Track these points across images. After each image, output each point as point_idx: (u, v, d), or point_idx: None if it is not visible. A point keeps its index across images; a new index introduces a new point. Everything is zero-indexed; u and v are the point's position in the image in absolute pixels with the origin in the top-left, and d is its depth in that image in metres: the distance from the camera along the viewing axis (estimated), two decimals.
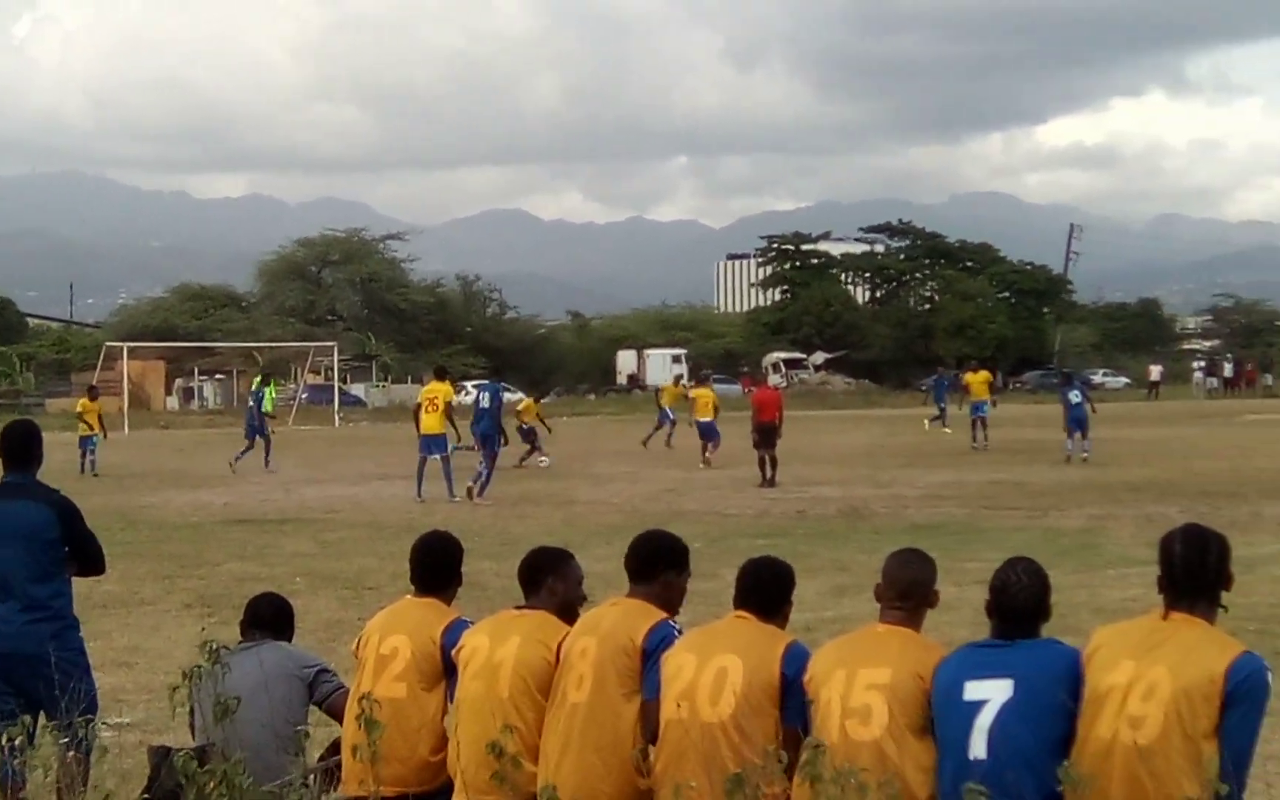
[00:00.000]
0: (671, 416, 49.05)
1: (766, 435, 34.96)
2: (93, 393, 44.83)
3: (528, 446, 41.71)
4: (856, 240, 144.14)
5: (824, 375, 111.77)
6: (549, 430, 43.90)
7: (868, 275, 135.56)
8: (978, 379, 47.31)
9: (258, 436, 42.14)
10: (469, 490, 31.01)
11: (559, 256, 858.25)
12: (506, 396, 40.76)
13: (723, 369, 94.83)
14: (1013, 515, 27.06)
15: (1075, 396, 40.82)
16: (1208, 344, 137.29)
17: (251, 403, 44.17)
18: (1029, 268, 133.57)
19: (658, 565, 7.94)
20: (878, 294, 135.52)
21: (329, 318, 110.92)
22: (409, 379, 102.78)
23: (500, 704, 7.57)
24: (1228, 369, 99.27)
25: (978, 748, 6.50)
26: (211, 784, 5.93)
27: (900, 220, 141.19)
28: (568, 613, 8.08)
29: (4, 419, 10.95)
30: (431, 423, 32.06)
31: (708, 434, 40.84)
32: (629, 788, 7.35)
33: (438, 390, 32.87)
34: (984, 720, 6.52)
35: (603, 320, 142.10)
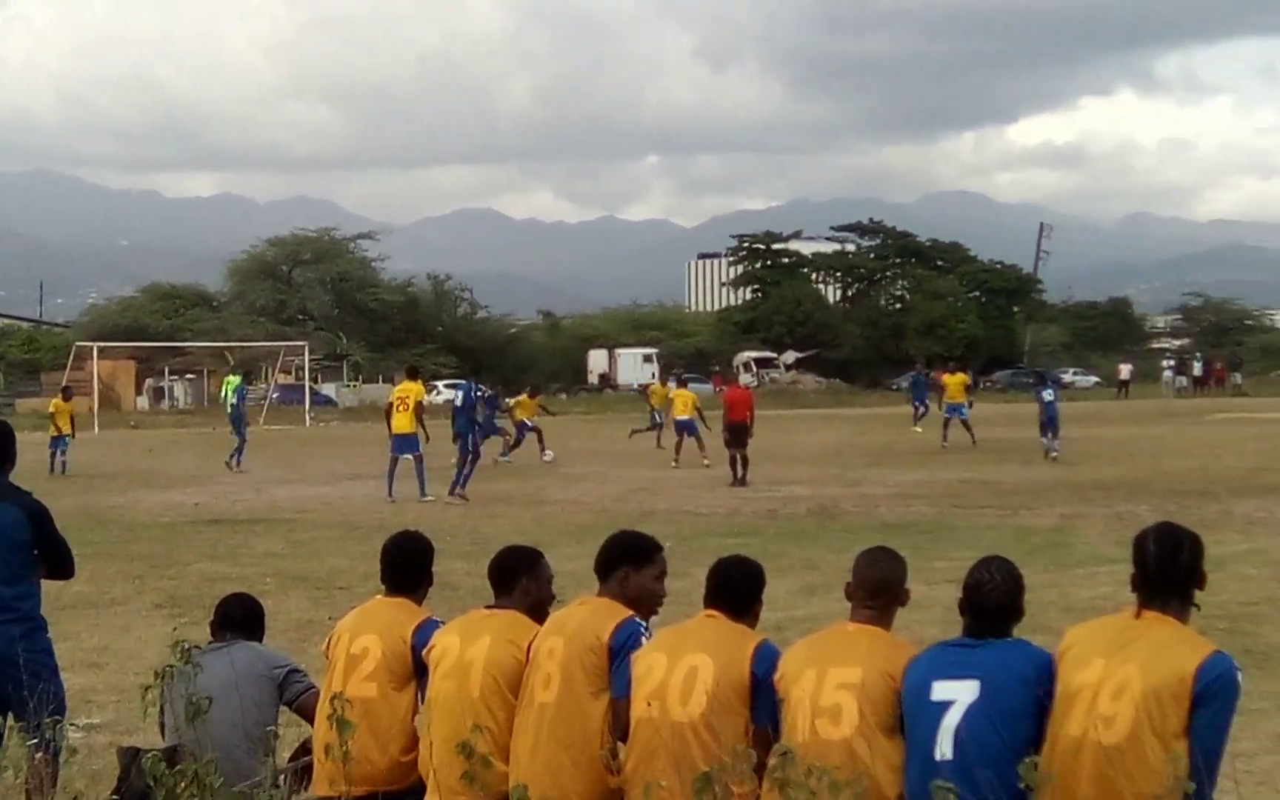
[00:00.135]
0: (659, 418, 49.07)
1: (737, 434, 34.99)
2: (66, 393, 44.68)
3: (513, 440, 41.85)
4: (827, 239, 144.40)
5: (795, 374, 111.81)
6: (552, 414, 43.91)
7: (839, 274, 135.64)
8: (955, 380, 47.42)
9: (240, 433, 42.17)
10: (461, 495, 31.01)
11: (530, 256, 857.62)
12: (506, 398, 40.92)
13: (694, 368, 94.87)
14: (983, 514, 27.12)
15: (1049, 394, 41.18)
16: (1177, 343, 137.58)
17: (235, 399, 44.10)
18: (999, 267, 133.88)
19: (617, 563, 7.94)
20: (849, 293, 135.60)
21: (300, 317, 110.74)
22: (380, 378, 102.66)
23: (471, 704, 7.57)
24: (1197, 368, 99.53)
25: (944, 748, 6.51)
26: (181, 785, 5.92)
27: (871, 219, 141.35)
28: (539, 612, 8.08)
29: None
30: (403, 422, 32.04)
31: (690, 431, 40.69)
32: (598, 786, 7.35)
33: (409, 390, 32.87)
34: (950, 721, 6.53)
35: (574, 319, 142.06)
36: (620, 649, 7.49)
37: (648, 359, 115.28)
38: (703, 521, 26.73)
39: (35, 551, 9.23)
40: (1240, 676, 6.36)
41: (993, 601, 6.82)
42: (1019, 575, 6.98)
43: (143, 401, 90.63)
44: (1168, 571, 6.58)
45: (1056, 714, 6.46)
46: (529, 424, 43.21)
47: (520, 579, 8.20)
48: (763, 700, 7.10)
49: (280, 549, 23.63)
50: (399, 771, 7.98)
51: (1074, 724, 6.34)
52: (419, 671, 8.09)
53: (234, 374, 68.21)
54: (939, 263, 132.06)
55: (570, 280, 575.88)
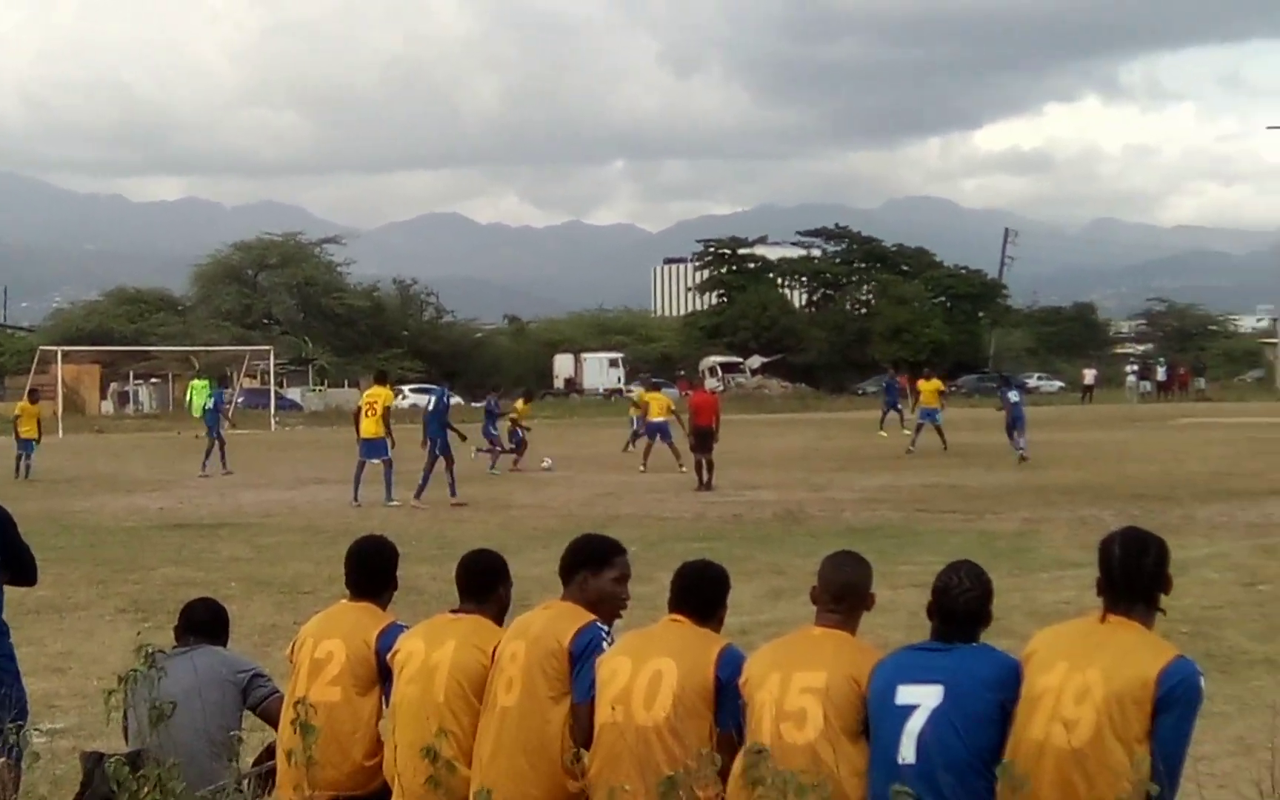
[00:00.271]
0: (636, 425, 49.10)
1: (703, 439, 34.99)
2: (33, 396, 44.50)
3: (514, 450, 41.86)
4: (793, 244, 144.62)
5: (760, 379, 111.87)
6: (527, 430, 43.87)
7: (804, 279, 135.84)
8: (929, 386, 47.53)
9: (210, 434, 42.05)
10: (454, 501, 30.97)
11: (496, 260, 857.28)
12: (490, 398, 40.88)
13: (660, 373, 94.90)
14: (948, 518, 27.16)
15: (1014, 396, 41.55)
16: (1141, 348, 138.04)
17: (211, 403, 43.96)
18: (964, 272, 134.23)
19: (577, 566, 7.94)
20: (814, 298, 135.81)
21: (265, 321, 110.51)
22: (345, 383, 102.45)
23: (436, 708, 7.56)
24: (1161, 373, 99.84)
25: (907, 752, 6.52)
26: (145, 790, 5.91)
27: (837, 224, 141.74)
28: (503, 617, 8.11)
29: None
30: (370, 427, 32.02)
31: (664, 435, 40.57)
32: (559, 791, 7.35)
33: (377, 395, 32.86)
34: (914, 725, 6.54)
35: (540, 324, 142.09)
36: (581, 654, 7.50)
37: (613, 363, 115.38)
38: (668, 526, 26.73)
39: None
40: (1203, 681, 6.37)
41: (961, 606, 6.84)
42: (988, 580, 7.00)
43: (107, 405, 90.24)
44: (1132, 576, 6.60)
45: (1020, 717, 6.47)
46: (521, 432, 43.10)
47: (497, 586, 8.21)
48: (727, 704, 7.11)
49: (245, 553, 23.56)
50: (363, 776, 7.98)
51: (1037, 727, 6.36)
52: (383, 676, 8.08)
53: (199, 378, 68.22)
54: (904, 268, 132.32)
55: (536, 284, 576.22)
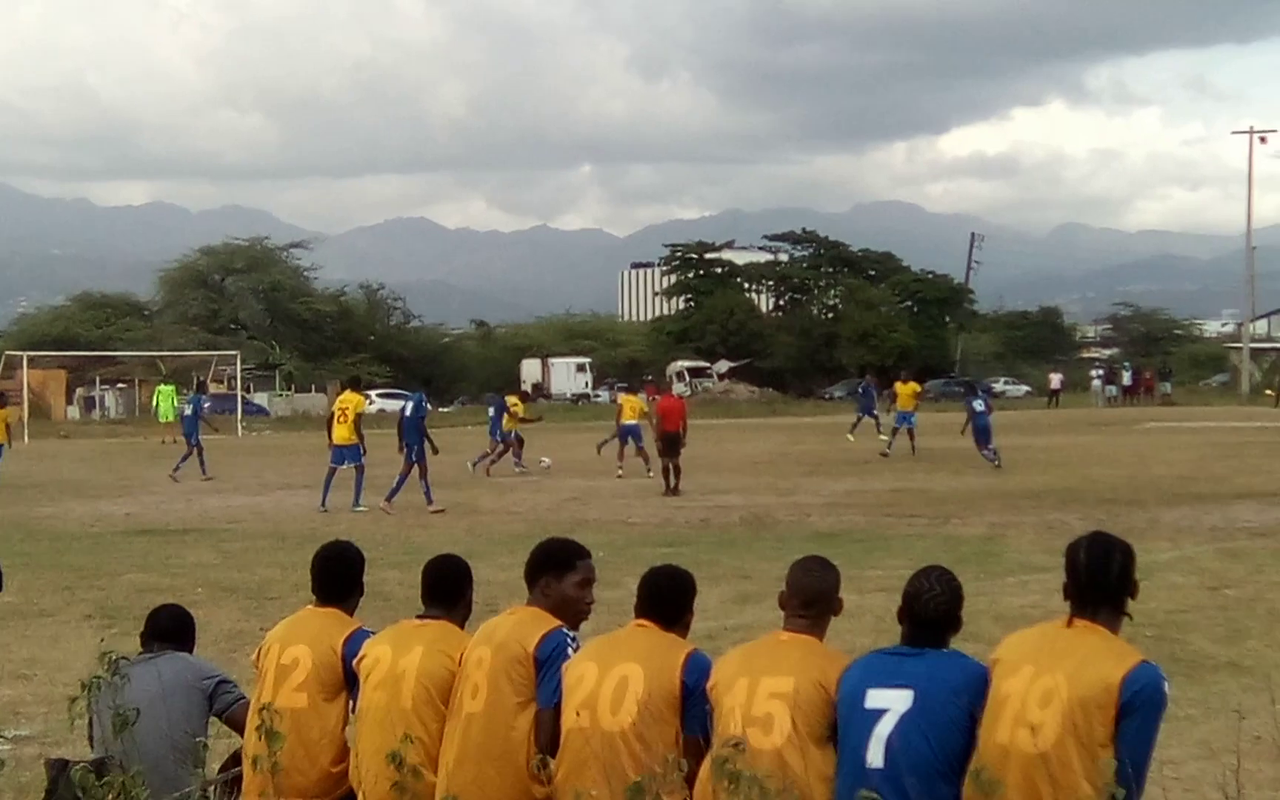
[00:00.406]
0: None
1: (670, 444, 34.99)
2: (0, 400, 44.16)
3: (513, 447, 41.89)
4: (760, 249, 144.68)
5: (728, 384, 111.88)
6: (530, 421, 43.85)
7: (771, 284, 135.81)
8: (906, 390, 47.73)
9: (187, 439, 41.94)
10: (433, 508, 30.90)
11: (463, 265, 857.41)
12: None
13: (627, 378, 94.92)
14: (914, 523, 27.20)
15: (979, 405, 41.52)
16: (1107, 352, 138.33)
17: (190, 411, 43.77)
18: (931, 277, 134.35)
19: (540, 571, 7.94)
20: (781, 303, 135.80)
21: (232, 326, 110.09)
22: (312, 388, 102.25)
23: (403, 714, 7.56)
24: (1126, 377, 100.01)
25: (875, 756, 6.52)
26: (109, 796, 5.90)
27: (804, 229, 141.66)
28: (465, 622, 8.13)
29: None
30: (342, 433, 31.98)
31: (636, 438, 40.51)
32: (525, 797, 7.35)
33: (349, 400, 32.78)
34: (883, 729, 6.55)
35: (507, 329, 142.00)
36: (546, 660, 7.50)
37: (581, 368, 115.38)
38: (635, 531, 26.73)
39: None
40: (1167, 685, 6.38)
41: (931, 611, 6.86)
42: (958, 586, 7.02)
43: (73, 411, 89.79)
44: (1099, 581, 6.62)
45: (986, 721, 6.49)
46: (516, 431, 43.09)
47: (463, 592, 8.23)
48: (693, 709, 7.12)
49: (211, 559, 23.49)
50: (329, 782, 7.96)
51: (1002, 731, 6.37)
52: (349, 682, 8.07)
53: (166, 383, 67.97)
54: (871, 272, 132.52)
55: (503, 289, 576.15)
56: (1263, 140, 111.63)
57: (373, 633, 8.18)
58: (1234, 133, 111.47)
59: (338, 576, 8.58)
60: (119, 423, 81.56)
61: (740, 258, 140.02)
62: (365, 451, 32.11)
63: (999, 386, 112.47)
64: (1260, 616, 16.58)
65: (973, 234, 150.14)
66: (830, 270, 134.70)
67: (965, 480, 36.15)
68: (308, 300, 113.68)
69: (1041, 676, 6.38)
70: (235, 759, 8.48)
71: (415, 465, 31.94)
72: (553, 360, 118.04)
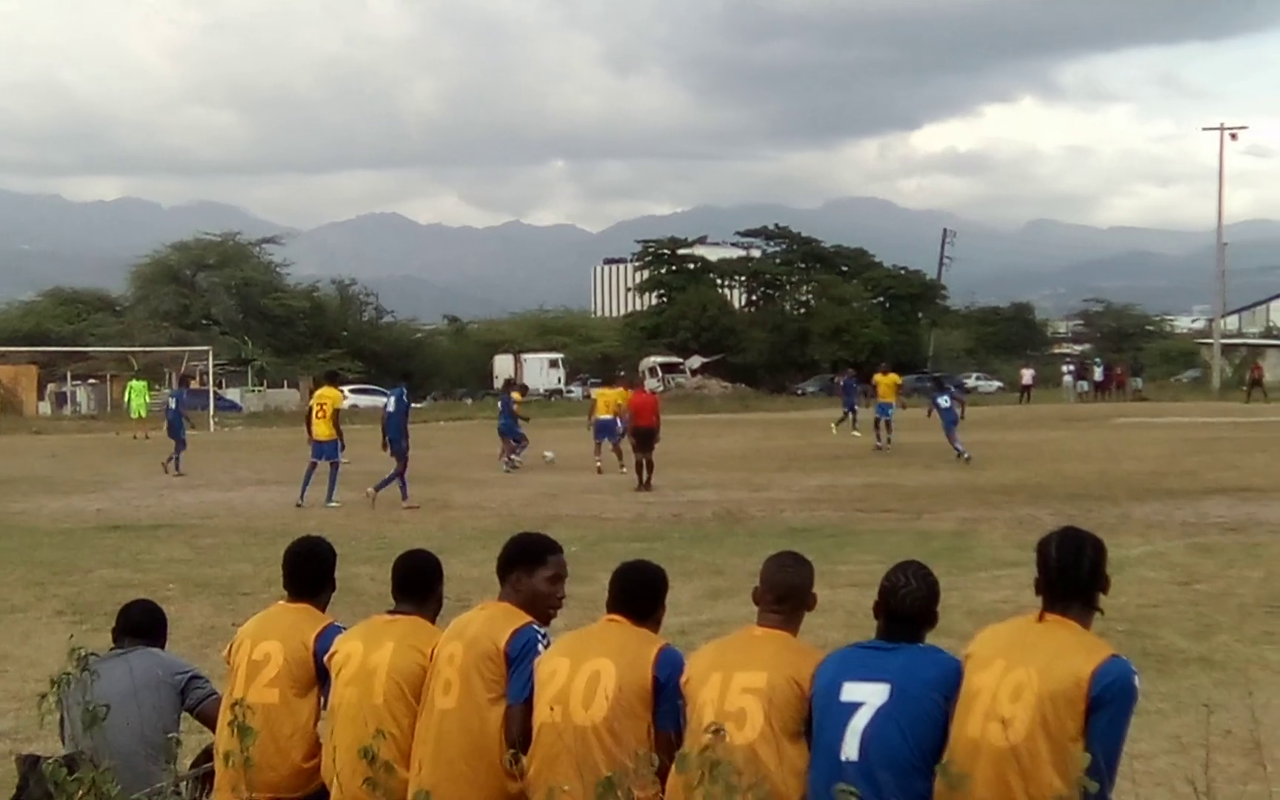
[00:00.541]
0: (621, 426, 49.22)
1: (644, 439, 35.00)
2: None
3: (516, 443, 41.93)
4: (733, 245, 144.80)
5: (700, 379, 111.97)
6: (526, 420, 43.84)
7: (744, 280, 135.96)
8: (886, 381, 48.02)
9: (180, 437, 41.92)
10: (371, 496, 30.85)
11: (436, 260, 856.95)
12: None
13: (600, 373, 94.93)
14: (886, 518, 27.23)
15: (945, 401, 41.86)
16: (1079, 348, 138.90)
17: (174, 405, 43.72)
18: (903, 272, 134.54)
19: (510, 566, 7.94)
20: (754, 298, 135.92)
21: (204, 322, 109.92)
22: (285, 383, 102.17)
23: (375, 710, 7.54)
24: (1098, 373, 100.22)
25: (850, 749, 6.52)
26: (80, 792, 5.89)
27: (776, 225, 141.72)
28: (435, 617, 8.12)
29: None
30: (321, 429, 32.03)
31: (610, 434, 40.47)
32: (498, 792, 7.33)
33: (327, 396, 32.85)
34: (858, 722, 6.54)
35: (480, 324, 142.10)
36: (517, 656, 7.49)
37: (554, 364, 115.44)
38: (608, 526, 26.72)
39: None
40: (1138, 680, 6.39)
41: (907, 606, 6.86)
42: (935, 581, 7.02)
43: (45, 407, 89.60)
44: (1069, 575, 6.62)
45: (957, 715, 6.49)
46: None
47: (434, 587, 8.21)
48: (665, 704, 7.12)
49: (183, 555, 23.45)
50: (301, 778, 7.95)
51: (973, 725, 6.38)
52: (321, 677, 8.05)
53: (138, 379, 67.81)
54: (843, 268, 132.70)
55: (476, 285, 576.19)
56: (1233, 137, 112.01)
57: (345, 628, 8.17)
58: (1205, 129, 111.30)
59: (309, 572, 8.56)
60: (91, 418, 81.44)
61: (713, 254, 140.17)
62: (344, 447, 32.19)
63: (971, 382, 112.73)
64: (1231, 611, 16.63)
65: (945, 230, 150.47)
66: (803, 266, 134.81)
67: (937, 475, 36.21)
68: (280, 296, 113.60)
69: (1012, 671, 6.38)
70: (207, 755, 8.47)
71: (394, 454, 31.86)
72: (525, 356, 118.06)
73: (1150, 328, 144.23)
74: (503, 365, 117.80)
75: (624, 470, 37.75)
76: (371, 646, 7.77)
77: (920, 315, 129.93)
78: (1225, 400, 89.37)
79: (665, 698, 7.12)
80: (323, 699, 8.06)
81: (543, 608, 7.83)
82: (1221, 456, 40.81)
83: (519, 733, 7.35)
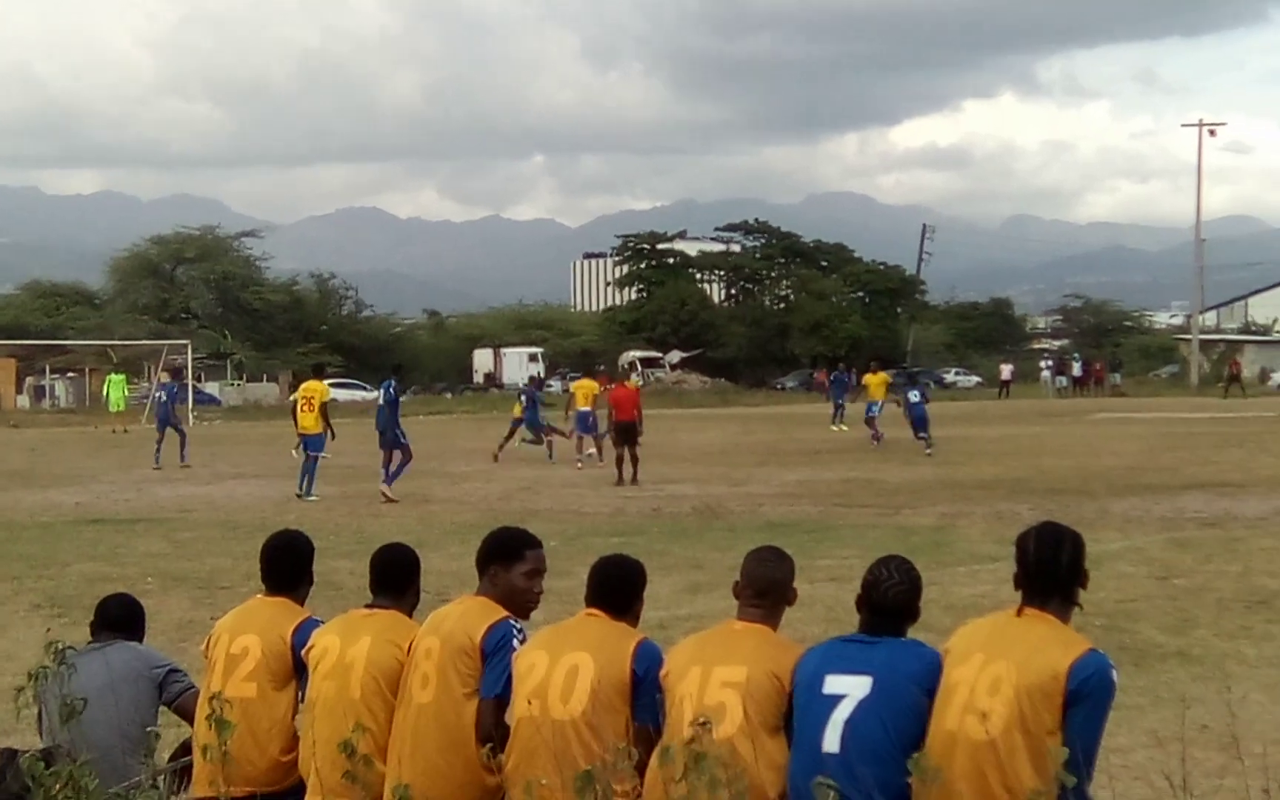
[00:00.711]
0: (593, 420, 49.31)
1: (626, 434, 34.94)
2: None
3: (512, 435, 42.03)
4: (712, 239, 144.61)
5: (680, 374, 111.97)
6: None
7: (723, 274, 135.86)
8: (876, 380, 48.18)
9: (170, 428, 41.87)
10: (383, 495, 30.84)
11: (415, 254, 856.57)
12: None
13: (579, 368, 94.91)
14: (865, 513, 27.28)
15: (915, 396, 42.76)
16: (1057, 343, 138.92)
17: (165, 398, 43.69)
18: (883, 267, 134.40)
19: (488, 561, 7.93)
20: (733, 293, 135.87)
21: (183, 316, 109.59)
22: (264, 377, 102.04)
23: (352, 704, 7.54)
24: (1077, 368, 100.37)
25: (830, 742, 6.53)
26: (58, 786, 5.87)
27: (756, 220, 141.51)
28: (413, 611, 8.13)
29: None
30: (308, 422, 32.08)
31: (588, 427, 40.45)
32: (476, 787, 7.33)
33: (313, 389, 32.95)
34: (840, 715, 6.55)
35: (459, 318, 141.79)
36: (492, 651, 7.49)
37: (533, 358, 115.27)
38: (587, 521, 26.74)
39: None
40: (1115, 674, 6.41)
41: (890, 600, 6.88)
42: (918, 576, 7.05)
43: (23, 400, 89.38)
44: (1048, 570, 6.63)
45: (936, 708, 6.50)
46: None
47: (412, 580, 8.22)
48: (643, 698, 7.13)
49: (162, 549, 23.43)
50: (279, 772, 7.94)
51: (950, 718, 6.39)
52: (299, 671, 8.05)
53: (117, 373, 67.66)
54: (823, 263, 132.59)
55: (455, 279, 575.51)
56: (1211, 133, 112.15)
57: (322, 622, 8.16)
58: (1183, 126, 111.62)
59: (287, 566, 8.55)
60: (69, 412, 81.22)
61: (692, 248, 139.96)
62: (334, 437, 32.40)
63: (950, 377, 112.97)
64: (1208, 606, 16.67)
65: (924, 225, 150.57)
66: (782, 261, 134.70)
67: (916, 471, 36.26)
68: (259, 289, 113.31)
69: (990, 664, 6.40)
70: (185, 748, 8.45)
71: (397, 449, 31.77)
72: (505, 350, 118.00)
73: (1129, 323, 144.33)
74: (482, 359, 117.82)
75: (601, 463, 37.81)
76: (349, 641, 7.77)
77: (899, 310, 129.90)
78: (1203, 396, 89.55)
79: (644, 692, 7.13)
80: (300, 693, 8.05)
81: (520, 602, 7.82)
82: (1199, 452, 40.93)
83: (490, 729, 7.35)
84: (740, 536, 21.54)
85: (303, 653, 7.97)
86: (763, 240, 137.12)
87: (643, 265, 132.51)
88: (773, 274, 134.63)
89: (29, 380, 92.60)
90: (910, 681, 6.61)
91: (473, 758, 7.29)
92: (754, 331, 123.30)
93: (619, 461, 34.69)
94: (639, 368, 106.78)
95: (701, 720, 5.99)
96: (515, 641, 7.53)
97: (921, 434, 41.80)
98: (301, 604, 8.48)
